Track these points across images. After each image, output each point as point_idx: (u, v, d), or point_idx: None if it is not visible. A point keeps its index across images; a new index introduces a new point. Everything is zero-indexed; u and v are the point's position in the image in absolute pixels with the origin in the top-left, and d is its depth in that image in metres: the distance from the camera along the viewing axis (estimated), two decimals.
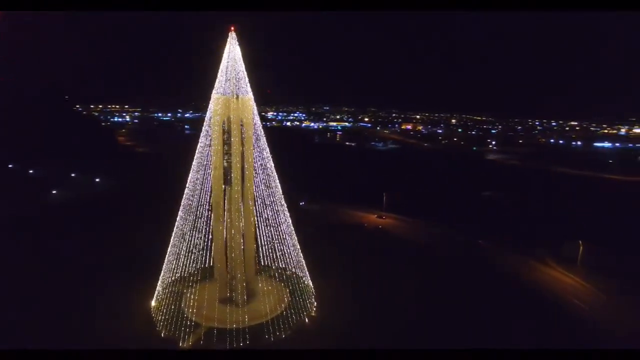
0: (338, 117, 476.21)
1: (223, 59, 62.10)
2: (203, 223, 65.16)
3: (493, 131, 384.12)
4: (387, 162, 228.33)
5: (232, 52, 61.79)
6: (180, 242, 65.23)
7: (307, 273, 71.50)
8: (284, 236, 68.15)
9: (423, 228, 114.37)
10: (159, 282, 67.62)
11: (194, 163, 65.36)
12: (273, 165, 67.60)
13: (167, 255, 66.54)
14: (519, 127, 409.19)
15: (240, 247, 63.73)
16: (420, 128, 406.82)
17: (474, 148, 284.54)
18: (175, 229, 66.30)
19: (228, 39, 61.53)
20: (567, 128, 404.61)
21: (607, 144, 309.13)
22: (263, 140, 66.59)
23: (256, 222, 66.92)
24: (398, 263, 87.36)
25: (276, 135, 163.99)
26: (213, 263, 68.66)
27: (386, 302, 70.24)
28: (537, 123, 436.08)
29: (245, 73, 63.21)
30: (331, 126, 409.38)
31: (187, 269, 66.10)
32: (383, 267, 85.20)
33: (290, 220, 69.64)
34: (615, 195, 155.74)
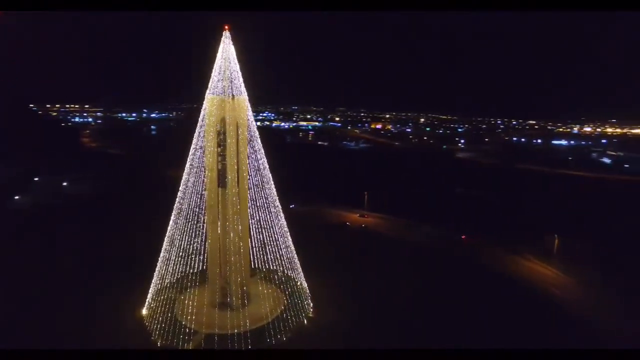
0: (308, 116, 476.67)
1: (217, 58, 60.54)
2: (193, 226, 63.36)
3: (460, 129, 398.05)
4: (361, 161, 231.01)
5: (227, 52, 60.40)
6: (171, 247, 63.12)
7: (302, 274, 71.17)
8: (279, 238, 67.47)
9: (405, 226, 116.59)
10: (150, 289, 65.05)
11: (186, 165, 63.35)
12: (267, 166, 66.75)
13: (159, 261, 64.14)
14: (484, 126, 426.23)
15: (239, 250, 62.40)
16: (389, 127, 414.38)
17: (444, 146, 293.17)
18: (167, 232, 64.02)
19: (222, 38, 60.10)
20: (527, 127, 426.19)
21: (563, 142, 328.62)
22: (258, 142, 65.60)
23: (250, 225, 65.91)
24: (387, 261, 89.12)
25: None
26: (206, 267, 66.81)
27: (382, 300, 71.20)
28: (499, 122, 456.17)
29: (240, 73, 62.01)
30: (301, 126, 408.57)
31: (177, 275, 64.12)
32: (373, 265, 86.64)
33: (284, 222, 69.02)
34: (581, 191, 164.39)
